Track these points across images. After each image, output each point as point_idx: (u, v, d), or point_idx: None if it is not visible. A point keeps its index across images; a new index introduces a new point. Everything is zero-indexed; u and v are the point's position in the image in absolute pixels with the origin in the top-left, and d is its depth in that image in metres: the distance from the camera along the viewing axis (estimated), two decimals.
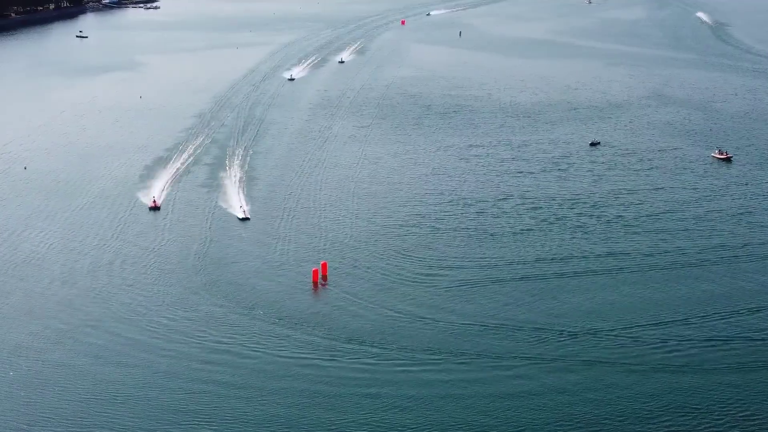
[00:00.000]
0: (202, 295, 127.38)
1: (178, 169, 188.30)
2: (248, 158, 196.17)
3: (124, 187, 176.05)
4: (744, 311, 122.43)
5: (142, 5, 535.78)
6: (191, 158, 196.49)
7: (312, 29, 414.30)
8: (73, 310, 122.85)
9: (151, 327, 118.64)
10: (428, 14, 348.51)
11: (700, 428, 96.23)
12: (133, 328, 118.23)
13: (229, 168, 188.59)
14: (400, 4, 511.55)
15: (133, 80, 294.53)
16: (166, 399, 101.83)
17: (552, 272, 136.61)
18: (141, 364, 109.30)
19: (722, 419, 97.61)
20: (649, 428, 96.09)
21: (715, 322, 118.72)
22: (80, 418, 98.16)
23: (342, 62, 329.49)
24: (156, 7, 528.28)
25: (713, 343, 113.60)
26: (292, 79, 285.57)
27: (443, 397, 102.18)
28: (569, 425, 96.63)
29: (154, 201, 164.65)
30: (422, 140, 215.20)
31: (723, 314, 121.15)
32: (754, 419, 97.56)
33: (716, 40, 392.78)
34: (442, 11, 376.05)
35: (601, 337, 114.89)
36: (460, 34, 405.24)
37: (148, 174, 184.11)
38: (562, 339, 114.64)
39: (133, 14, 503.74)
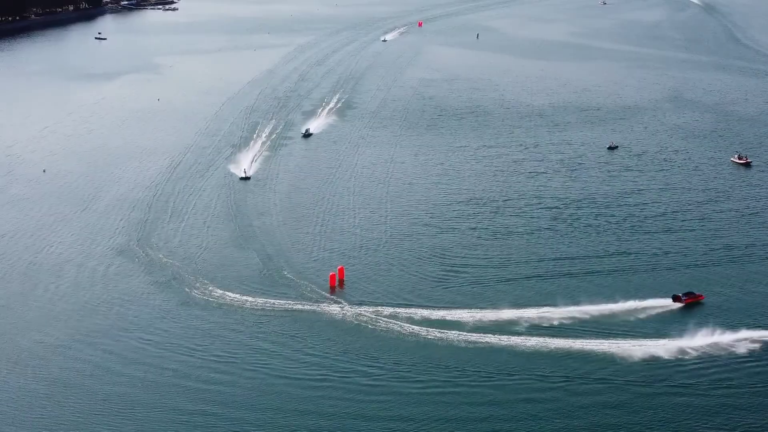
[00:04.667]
0: (224, 299, 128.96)
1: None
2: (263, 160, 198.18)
3: (140, 191, 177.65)
4: None
5: (160, 6, 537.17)
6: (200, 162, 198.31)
7: (329, 31, 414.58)
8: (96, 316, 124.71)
9: (164, 328, 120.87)
10: (384, 40, 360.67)
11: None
12: (138, 335, 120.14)
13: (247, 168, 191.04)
14: (412, 6, 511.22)
15: (150, 82, 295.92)
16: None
17: (581, 270, 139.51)
18: (153, 365, 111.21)
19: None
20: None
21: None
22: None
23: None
24: (174, 9, 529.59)
25: None
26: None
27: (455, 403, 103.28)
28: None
29: None
30: (439, 142, 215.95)
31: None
32: None
33: (734, 43, 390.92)
34: (395, 35, 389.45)
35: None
36: (477, 37, 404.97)
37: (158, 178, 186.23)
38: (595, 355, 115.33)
39: (151, 15, 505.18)
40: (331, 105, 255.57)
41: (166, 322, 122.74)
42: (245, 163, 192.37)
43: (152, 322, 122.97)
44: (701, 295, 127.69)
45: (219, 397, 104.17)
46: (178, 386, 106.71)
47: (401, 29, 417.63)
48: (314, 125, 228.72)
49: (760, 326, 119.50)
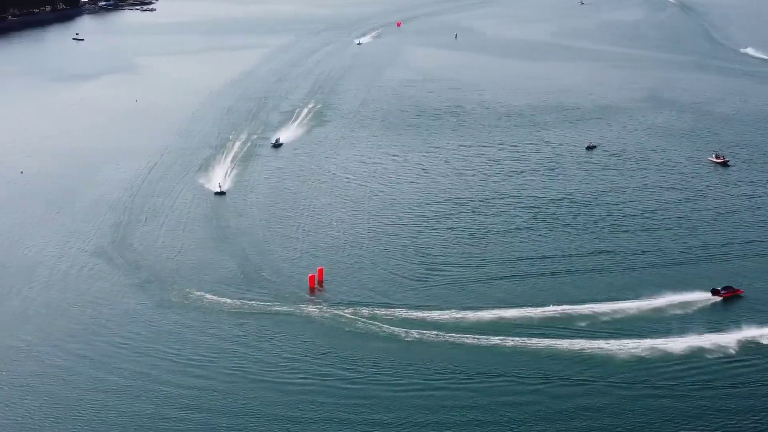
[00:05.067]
0: (195, 302, 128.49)
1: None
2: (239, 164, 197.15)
3: (117, 192, 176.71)
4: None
5: (138, 7, 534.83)
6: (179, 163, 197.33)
7: (308, 31, 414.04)
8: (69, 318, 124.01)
9: (138, 331, 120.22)
10: (359, 43, 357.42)
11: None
12: (118, 331, 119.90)
13: (220, 171, 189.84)
14: (392, 6, 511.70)
15: (129, 83, 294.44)
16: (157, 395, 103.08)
17: (562, 269, 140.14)
18: (128, 367, 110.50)
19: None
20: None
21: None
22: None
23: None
24: (152, 9, 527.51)
25: None
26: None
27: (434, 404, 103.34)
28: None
29: None
30: (417, 142, 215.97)
31: None
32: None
33: (711, 42, 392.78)
34: (369, 39, 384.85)
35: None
36: (456, 37, 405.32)
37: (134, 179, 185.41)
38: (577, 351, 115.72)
39: (129, 16, 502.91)
40: (308, 108, 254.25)
41: (141, 325, 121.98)
42: (220, 177, 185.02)
43: (127, 324, 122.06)
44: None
45: (195, 401, 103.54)
46: (153, 390, 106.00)
47: (376, 32, 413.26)
48: (289, 131, 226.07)
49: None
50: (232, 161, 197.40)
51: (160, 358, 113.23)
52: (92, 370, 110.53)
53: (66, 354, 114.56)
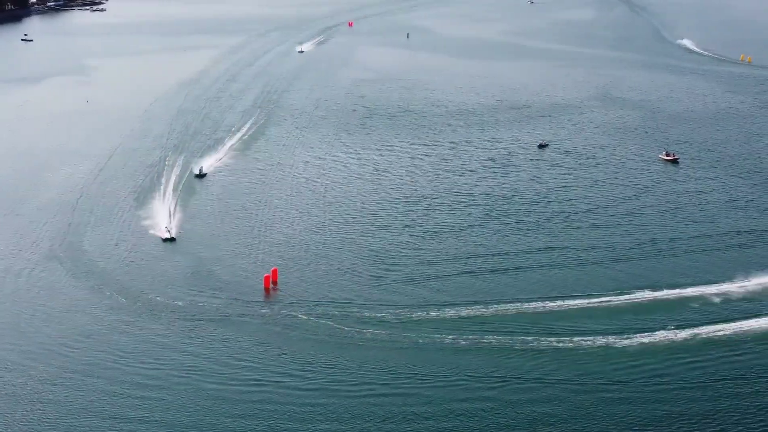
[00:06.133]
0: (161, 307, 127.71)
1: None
2: (188, 165, 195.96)
3: (67, 195, 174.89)
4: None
5: (87, 7, 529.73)
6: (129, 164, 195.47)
7: (259, 32, 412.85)
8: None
9: (74, 342, 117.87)
10: (300, 51, 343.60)
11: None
12: (59, 345, 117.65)
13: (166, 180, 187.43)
14: (343, 6, 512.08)
15: (79, 84, 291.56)
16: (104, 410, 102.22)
17: (515, 266, 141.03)
18: (81, 385, 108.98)
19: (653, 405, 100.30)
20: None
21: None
22: None
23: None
24: (102, 9, 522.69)
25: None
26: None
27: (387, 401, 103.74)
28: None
29: None
30: (370, 142, 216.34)
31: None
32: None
33: (661, 41, 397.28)
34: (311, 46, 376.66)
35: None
36: (407, 36, 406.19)
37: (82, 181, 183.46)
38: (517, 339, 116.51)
39: (78, 16, 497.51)
40: (255, 115, 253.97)
41: (89, 329, 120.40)
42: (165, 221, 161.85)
43: (75, 330, 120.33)
44: None
45: (143, 411, 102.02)
46: (102, 396, 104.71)
47: (321, 36, 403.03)
48: (237, 134, 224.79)
49: None
50: (186, 166, 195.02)
51: (105, 365, 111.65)
52: (32, 381, 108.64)
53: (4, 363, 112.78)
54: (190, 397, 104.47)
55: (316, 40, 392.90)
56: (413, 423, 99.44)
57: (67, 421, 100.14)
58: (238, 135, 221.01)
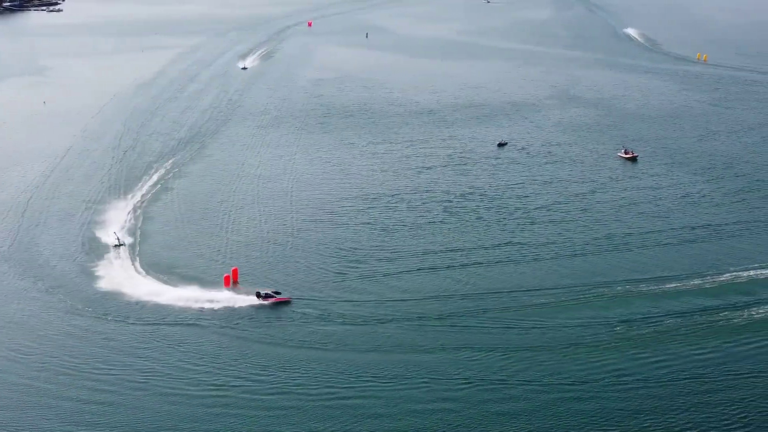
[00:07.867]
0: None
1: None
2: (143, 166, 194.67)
3: (23, 196, 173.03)
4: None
5: (44, 8, 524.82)
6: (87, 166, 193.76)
7: (218, 31, 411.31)
8: None
9: (27, 346, 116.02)
10: (244, 68, 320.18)
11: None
12: (21, 357, 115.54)
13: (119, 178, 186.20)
14: (303, 6, 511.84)
15: (35, 86, 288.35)
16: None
17: (473, 261, 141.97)
18: (34, 391, 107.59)
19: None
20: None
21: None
22: None
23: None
24: (59, 10, 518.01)
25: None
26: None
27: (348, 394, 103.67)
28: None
29: None
30: (329, 141, 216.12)
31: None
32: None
33: (617, 39, 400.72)
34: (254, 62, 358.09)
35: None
36: (366, 36, 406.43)
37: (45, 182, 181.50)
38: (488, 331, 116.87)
39: (35, 17, 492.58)
40: (221, 110, 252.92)
41: (43, 332, 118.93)
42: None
43: (27, 333, 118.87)
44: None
45: (100, 411, 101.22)
46: (56, 402, 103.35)
47: (262, 50, 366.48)
48: (192, 135, 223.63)
49: None
50: (144, 167, 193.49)
51: (64, 366, 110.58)
52: None
53: None
54: (145, 402, 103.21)
55: (262, 51, 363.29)
56: (374, 422, 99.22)
57: (19, 427, 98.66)
58: (198, 137, 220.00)
